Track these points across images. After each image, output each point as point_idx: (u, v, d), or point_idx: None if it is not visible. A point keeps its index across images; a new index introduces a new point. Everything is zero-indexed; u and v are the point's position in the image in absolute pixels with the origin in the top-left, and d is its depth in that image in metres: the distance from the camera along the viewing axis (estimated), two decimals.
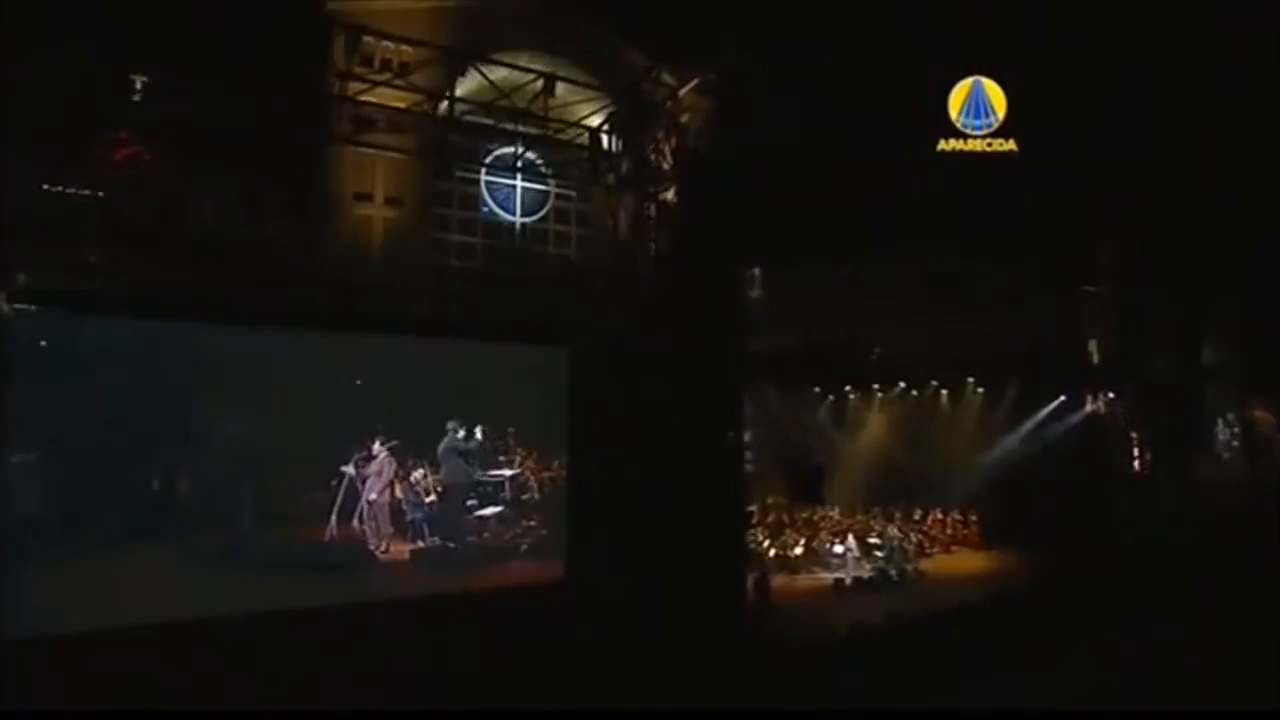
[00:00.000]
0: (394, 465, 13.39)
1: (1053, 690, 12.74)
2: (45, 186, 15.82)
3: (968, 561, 21.98)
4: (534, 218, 26.40)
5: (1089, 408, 23.22)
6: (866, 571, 19.61)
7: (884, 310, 21.72)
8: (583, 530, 14.21)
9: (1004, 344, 21.89)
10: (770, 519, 22.15)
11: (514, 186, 26.30)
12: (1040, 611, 16.23)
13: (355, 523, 13.05)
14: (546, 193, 24.27)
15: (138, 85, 15.51)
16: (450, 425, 14.06)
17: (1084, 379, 23.50)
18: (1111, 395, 23.12)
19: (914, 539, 21.93)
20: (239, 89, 14.28)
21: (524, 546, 14.73)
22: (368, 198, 23.73)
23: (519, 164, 19.45)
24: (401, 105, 16.34)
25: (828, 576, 19.32)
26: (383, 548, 13.44)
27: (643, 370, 14.31)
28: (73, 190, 16.24)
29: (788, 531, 21.29)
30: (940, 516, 23.54)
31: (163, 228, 16.10)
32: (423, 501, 13.74)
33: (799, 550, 20.34)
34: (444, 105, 17.35)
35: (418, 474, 13.72)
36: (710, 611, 14.05)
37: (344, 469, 12.87)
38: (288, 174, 18.66)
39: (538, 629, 12.89)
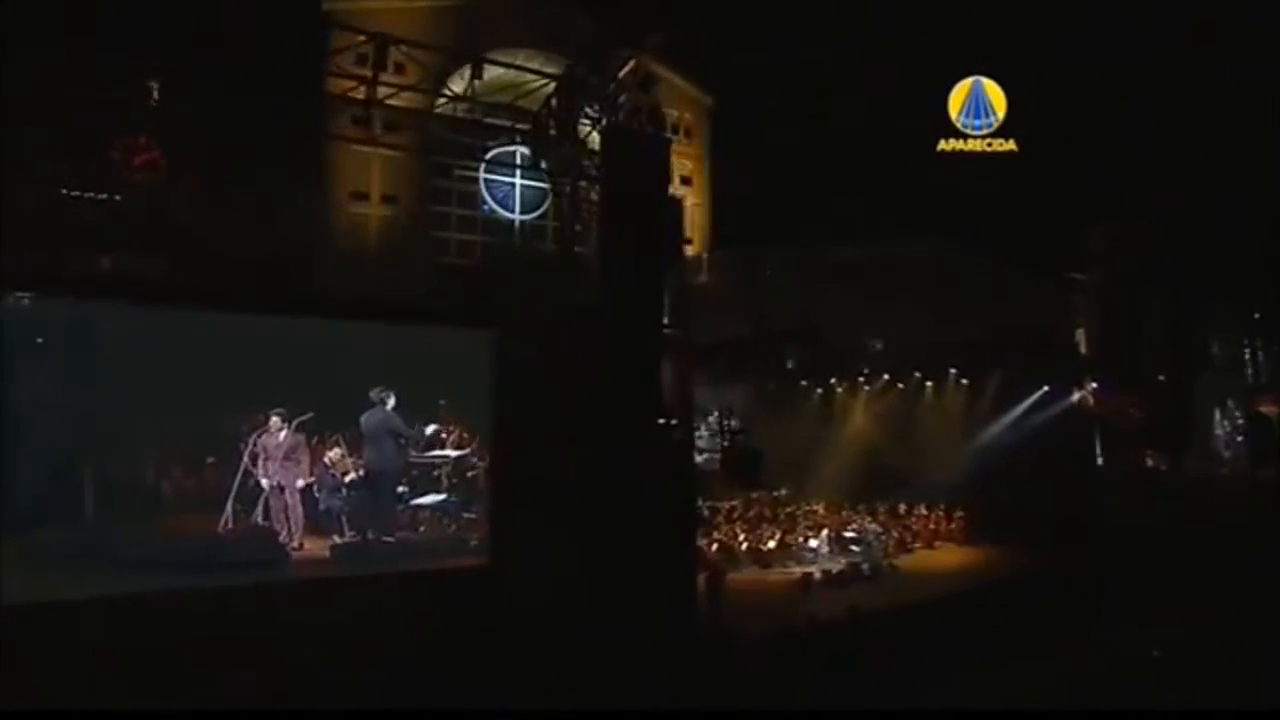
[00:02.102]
0: (304, 444, 11.18)
1: (1006, 686, 11.47)
2: (64, 191, 15.08)
3: (949, 557, 19.96)
4: (534, 215, 25.17)
5: (1075, 397, 21.00)
6: (840, 566, 17.79)
7: (856, 299, 19.81)
8: (510, 520, 12.40)
9: (987, 333, 19.90)
10: (751, 513, 20.40)
11: (513, 184, 25.14)
12: (1010, 607, 14.62)
13: (259, 513, 10.86)
14: (545, 190, 23.05)
15: (155, 92, 14.69)
16: (375, 394, 11.56)
17: (1071, 369, 21.35)
18: (1094, 385, 20.93)
19: (894, 534, 20.02)
20: (237, 89, 13.03)
21: (474, 542, 12.45)
22: (364, 196, 22.72)
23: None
24: (399, 104, 14.99)
25: (799, 571, 17.52)
26: (295, 543, 11.21)
27: (579, 357, 12.67)
28: (91, 194, 15.46)
29: (765, 525, 19.49)
30: (924, 512, 21.46)
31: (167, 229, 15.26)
32: (340, 487, 11.51)
33: (772, 544, 18.55)
34: (441, 102, 16.18)
35: (334, 454, 11.45)
36: (652, 608, 12.36)
37: (243, 448, 10.69)
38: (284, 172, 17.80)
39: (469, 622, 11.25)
